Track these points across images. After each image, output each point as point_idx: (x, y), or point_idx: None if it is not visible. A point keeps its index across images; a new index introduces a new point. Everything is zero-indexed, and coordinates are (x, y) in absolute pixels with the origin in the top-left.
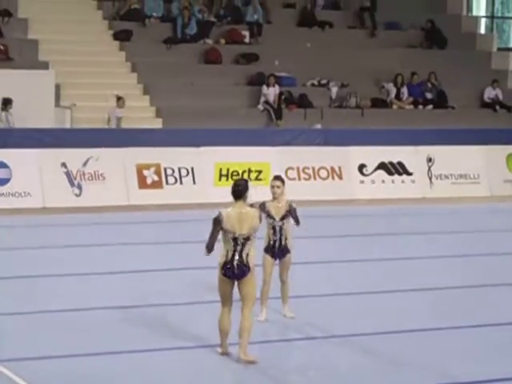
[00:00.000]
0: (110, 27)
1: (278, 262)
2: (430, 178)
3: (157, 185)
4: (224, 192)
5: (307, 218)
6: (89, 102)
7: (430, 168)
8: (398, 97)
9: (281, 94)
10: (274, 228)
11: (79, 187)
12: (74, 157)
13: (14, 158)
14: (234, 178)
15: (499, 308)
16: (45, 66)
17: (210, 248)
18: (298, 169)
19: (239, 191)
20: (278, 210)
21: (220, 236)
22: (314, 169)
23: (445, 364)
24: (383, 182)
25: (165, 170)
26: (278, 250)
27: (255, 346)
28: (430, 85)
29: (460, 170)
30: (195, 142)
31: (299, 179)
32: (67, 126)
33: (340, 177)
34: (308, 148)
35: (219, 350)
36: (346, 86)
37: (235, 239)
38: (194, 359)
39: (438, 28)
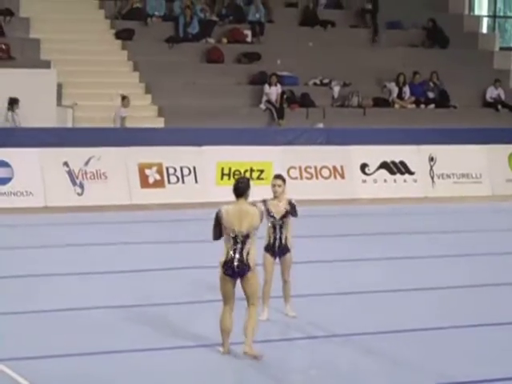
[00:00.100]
0: (111, 26)
1: (278, 261)
2: (432, 178)
3: (159, 184)
4: (226, 191)
5: (309, 217)
6: (91, 101)
7: (432, 167)
8: (400, 96)
9: (283, 93)
10: (274, 227)
11: (81, 186)
12: (75, 156)
13: (15, 157)
14: (236, 177)
15: (501, 307)
16: (47, 65)
17: (214, 237)
18: (300, 168)
19: (241, 189)
20: (278, 209)
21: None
22: (316, 168)
23: (446, 364)
24: (385, 181)
25: (167, 169)
26: (278, 249)
27: (257, 346)
28: (431, 84)
29: (462, 169)
30: (197, 142)
31: (301, 178)
32: (69, 125)
33: (342, 176)
34: (310, 147)
35: (221, 349)
36: (348, 86)
37: (235, 237)
38: (195, 358)
39: (440, 27)
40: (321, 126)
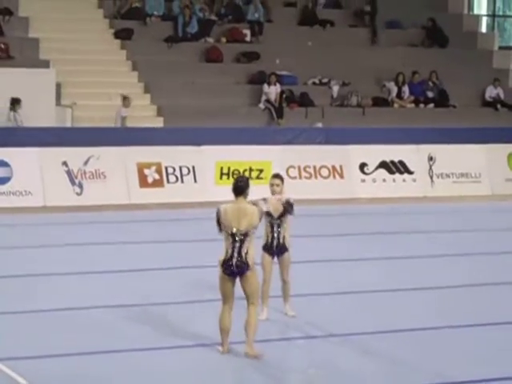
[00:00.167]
0: (110, 26)
1: (277, 260)
2: (431, 177)
3: (158, 183)
4: (225, 191)
5: (308, 216)
6: (90, 101)
7: (431, 167)
8: (399, 96)
9: (282, 92)
10: (272, 226)
11: (80, 186)
12: (74, 155)
13: (14, 157)
14: (235, 176)
15: (500, 307)
16: (46, 64)
17: (219, 231)
18: (299, 167)
19: (240, 187)
20: (276, 208)
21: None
22: (315, 167)
23: (445, 363)
24: (384, 180)
25: (166, 168)
26: (276, 248)
27: (256, 345)
28: (431, 83)
29: (461, 168)
30: (196, 141)
31: (300, 178)
32: (68, 124)
33: (341, 175)
34: (309, 147)
35: (220, 348)
36: (347, 85)
37: (233, 235)
38: (194, 358)
39: (440, 27)
40: (320, 125)
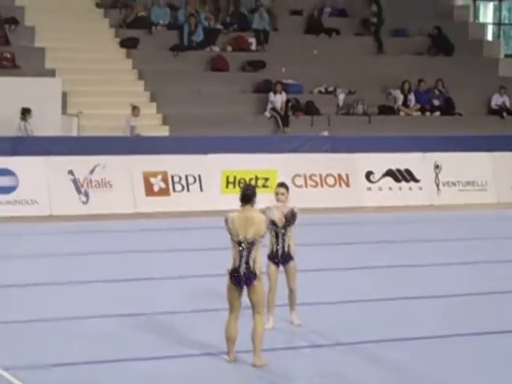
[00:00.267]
0: (116, 35)
1: (282, 269)
2: (438, 185)
3: (164, 192)
4: (231, 199)
5: (314, 225)
6: (96, 110)
7: (437, 175)
8: (405, 104)
9: (288, 101)
10: (276, 235)
11: (86, 195)
12: (80, 164)
13: (20, 166)
14: (241, 185)
15: (507, 315)
16: (51, 73)
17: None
18: (305, 176)
19: (248, 195)
20: (281, 216)
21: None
22: (321, 176)
23: (451, 372)
24: (390, 189)
25: (172, 177)
26: (281, 257)
27: (262, 354)
28: (437, 92)
29: (467, 176)
30: (202, 150)
31: (306, 186)
32: (74, 133)
33: (347, 184)
34: (315, 155)
35: (226, 357)
36: (353, 93)
37: (240, 243)
38: (200, 367)
39: (445, 35)
40: (326, 133)
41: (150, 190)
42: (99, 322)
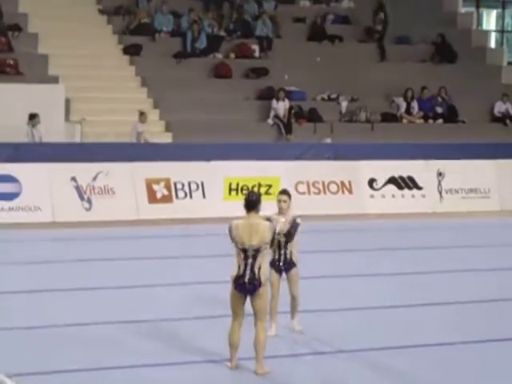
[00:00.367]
0: (119, 42)
1: (285, 276)
2: (440, 193)
3: (166, 199)
4: (234, 206)
5: (317, 232)
6: (99, 117)
7: (440, 182)
8: (408, 111)
9: (291, 108)
10: (279, 242)
11: (89, 201)
12: (83, 171)
13: (23, 173)
14: (244, 192)
15: (510, 323)
16: (55, 80)
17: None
18: (307, 183)
19: (252, 202)
20: (283, 225)
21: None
22: (323, 183)
23: (455, 379)
24: (393, 196)
25: (174, 184)
26: (283, 265)
27: (264, 361)
28: (440, 99)
29: (470, 184)
30: (205, 157)
31: (309, 194)
32: (77, 140)
33: (350, 191)
34: (318, 162)
35: (228, 364)
36: (355, 101)
37: (244, 251)
38: (203, 373)
39: (448, 42)
40: (329, 141)
41: (152, 197)
42: (102, 329)
